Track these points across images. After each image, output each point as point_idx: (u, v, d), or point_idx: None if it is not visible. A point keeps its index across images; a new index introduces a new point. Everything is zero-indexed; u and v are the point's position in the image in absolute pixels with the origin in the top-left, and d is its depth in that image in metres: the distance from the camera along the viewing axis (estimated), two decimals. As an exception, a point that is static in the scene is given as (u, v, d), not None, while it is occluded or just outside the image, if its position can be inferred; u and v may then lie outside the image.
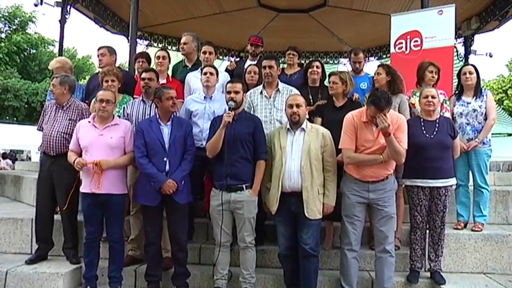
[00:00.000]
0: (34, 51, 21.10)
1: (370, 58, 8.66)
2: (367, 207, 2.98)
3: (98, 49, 4.15)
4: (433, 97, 3.17)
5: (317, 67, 3.93)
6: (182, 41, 4.28)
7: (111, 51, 4.14)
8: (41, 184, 3.53)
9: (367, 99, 2.93)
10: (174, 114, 3.26)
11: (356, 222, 2.95)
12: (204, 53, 4.03)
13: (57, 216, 3.58)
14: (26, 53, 20.60)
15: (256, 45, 4.56)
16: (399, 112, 3.37)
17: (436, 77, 3.67)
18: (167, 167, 3.02)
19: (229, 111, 2.94)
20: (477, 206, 3.69)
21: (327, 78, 3.62)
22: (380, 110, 2.72)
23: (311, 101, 3.72)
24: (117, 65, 4.29)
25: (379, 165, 2.87)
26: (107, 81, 3.53)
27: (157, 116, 3.15)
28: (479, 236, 3.53)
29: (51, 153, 3.41)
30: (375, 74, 3.61)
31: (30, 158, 16.46)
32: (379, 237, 2.96)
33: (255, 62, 4.43)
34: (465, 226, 3.71)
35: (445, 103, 3.68)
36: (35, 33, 21.31)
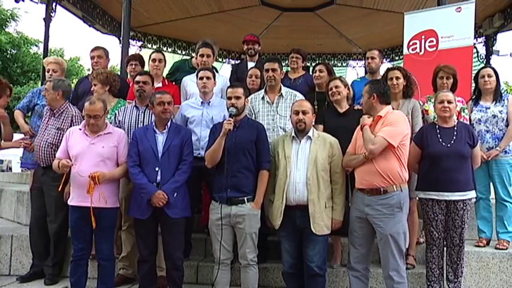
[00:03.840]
0: (16, 51, 21.27)
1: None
2: (369, 224, 2.95)
3: (92, 50, 4.21)
4: (449, 102, 3.19)
5: (320, 71, 3.97)
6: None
7: (107, 53, 4.23)
8: (33, 195, 3.71)
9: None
10: (172, 121, 3.30)
11: (356, 239, 2.97)
12: (202, 55, 4.03)
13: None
14: (6, 54, 20.75)
15: (253, 42, 4.60)
16: (411, 118, 3.43)
17: (450, 82, 3.66)
18: (158, 178, 3.07)
19: (230, 118, 2.99)
20: (500, 222, 3.71)
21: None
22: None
23: (315, 107, 3.73)
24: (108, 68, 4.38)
25: (371, 171, 2.86)
26: (95, 84, 3.62)
27: (154, 124, 3.22)
28: (504, 255, 3.54)
29: (41, 163, 3.56)
30: (389, 78, 3.60)
31: (10, 169, 16.53)
32: (381, 260, 2.97)
33: (255, 63, 4.49)
34: (488, 243, 3.74)
35: (463, 111, 3.69)
36: (17, 32, 21.52)
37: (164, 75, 4.41)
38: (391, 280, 2.88)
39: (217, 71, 4.75)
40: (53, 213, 3.51)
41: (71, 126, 3.48)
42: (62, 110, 3.58)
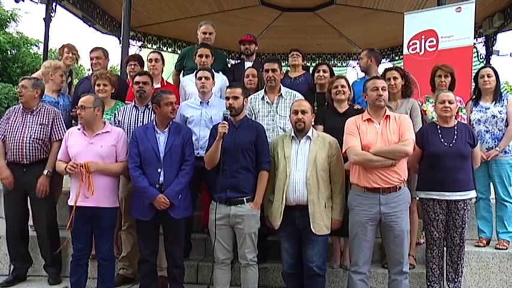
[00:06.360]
0: (16, 52, 21.29)
1: (381, 60, 8.74)
2: (378, 224, 2.96)
3: (91, 51, 4.22)
4: (450, 102, 3.20)
5: (324, 71, 3.96)
6: (205, 30, 4.39)
7: (106, 54, 4.24)
8: (10, 196, 3.51)
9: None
10: (173, 120, 3.28)
11: (364, 242, 2.92)
12: (201, 56, 4.02)
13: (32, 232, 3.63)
14: (6, 54, 20.78)
15: (249, 42, 4.62)
16: (410, 118, 3.43)
17: (448, 80, 3.67)
18: (161, 179, 3.06)
19: (224, 121, 2.98)
20: (500, 222, 3.71)
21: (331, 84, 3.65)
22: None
23: (315, 108, 3.71)
24: (108, 68, 4.39)
25: (391, 170, 2.86)
26: (98, 85, 3.62)
27: (154, 123, 3.21)
28: (504, 255, 3.55)
29: (23, 161, 3.43)
30: (387, 78, 3.57)
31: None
32: (394, 258, 2.95)
33: (252, 63, 4.49)
34: (488, 243, 3.74)
35: (461, 111, 3.70)
36: (17, 32, 21.54)
37: (164, 74, 4.41)
38: (403, 275, 2.94)
39: (227, 65, 4.82)
40: (43, 211, 3.44)
41: (53, 122, 3.49)
42: (39, 108, 3.55)
